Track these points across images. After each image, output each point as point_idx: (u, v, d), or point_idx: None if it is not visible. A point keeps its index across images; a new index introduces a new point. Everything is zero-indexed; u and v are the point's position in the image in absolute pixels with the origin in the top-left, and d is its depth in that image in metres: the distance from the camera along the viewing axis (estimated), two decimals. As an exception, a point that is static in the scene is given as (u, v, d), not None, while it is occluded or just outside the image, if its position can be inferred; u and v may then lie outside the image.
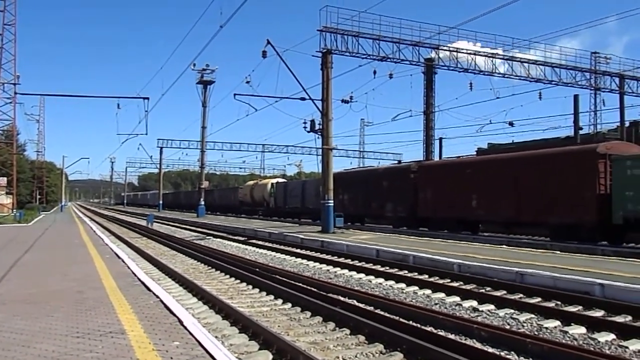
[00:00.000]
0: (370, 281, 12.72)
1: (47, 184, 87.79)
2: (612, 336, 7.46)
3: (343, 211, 30.94)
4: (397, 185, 29.46)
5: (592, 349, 6.80)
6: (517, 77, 30.15)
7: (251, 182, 62.52)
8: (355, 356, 6.65)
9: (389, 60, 27.15)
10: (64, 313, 6.99)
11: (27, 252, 15.60)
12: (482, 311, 9.24)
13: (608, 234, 18.89)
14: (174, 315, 6.88)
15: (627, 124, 40.56)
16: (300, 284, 11.45)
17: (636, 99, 39.64)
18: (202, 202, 49.58)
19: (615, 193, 18.10)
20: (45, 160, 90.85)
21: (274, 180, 54.75)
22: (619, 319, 8.44)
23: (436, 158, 44.33)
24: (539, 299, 10.04)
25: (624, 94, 35.37)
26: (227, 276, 13.63)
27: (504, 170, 22.86)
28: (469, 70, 29.19)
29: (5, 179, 54.76)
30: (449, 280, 12.45)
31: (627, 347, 6.94)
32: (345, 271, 14.40)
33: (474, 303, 9.86)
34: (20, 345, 5.43)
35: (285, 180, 58.42)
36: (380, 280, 12.81)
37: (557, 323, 8.23)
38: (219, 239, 26.03)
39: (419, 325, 7.79)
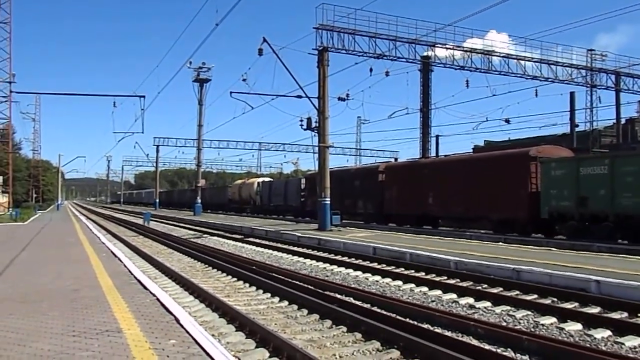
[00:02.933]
0: (367, 279, 12.72)
1: (43, 183, 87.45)
2: (608, 332, 7.47)
3: None
4: (367, 184, 32.49)
5: (589, 345, 6.82)
6: (513, 75, 30.17)
7: (239, 181, 64.83)
8: (352, 354, 6.64)
9: (385, 57, 27.15)
10: (60, 312, 6.97)
11: (23, 250, 15.55)
12: (478, 308, 9.25)
13: (538, 227, 21.59)
14: (171, 313, 6.86)
15: (623, 121, 40.74)
16: (297, 282, 11.44)
17: (632, 96, 39.88)
18: (199, 201, 49.65)
19: (543, 191, 20.84)
20: (42, 159, 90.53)
21: (260, 180, 57.10)
22: (615, 315, 8.46)
23: (433, 155, 44.46)
24: (535, 296, 10.05)
25: (620, 91, 35.48)
26: (224, 274, 13.61)
27: (455, 171, 25.91)
28: (465, 68, 29.19)
29: (1, 177, 54.53)
30: (445, 278, 12.45)
31: (623, 344, 6.96)
32: (342, 269, 14.40)
33: (471, 300, 9.87)
34: (15, 344, 5.40)
35: (271, 180, 60.11)
36: (377, 278, 12.82)
37: (554, 320, 8.24)
38: (215, 237, 25.99)
39: (415, 323, 7.78)
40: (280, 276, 12.32)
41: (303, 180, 43.92)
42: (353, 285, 11.45)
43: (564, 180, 19.89)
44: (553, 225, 20.99)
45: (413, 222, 28.14)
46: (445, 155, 34.64)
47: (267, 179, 59.33)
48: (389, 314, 8.37)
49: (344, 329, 7.75)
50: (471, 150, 39.94)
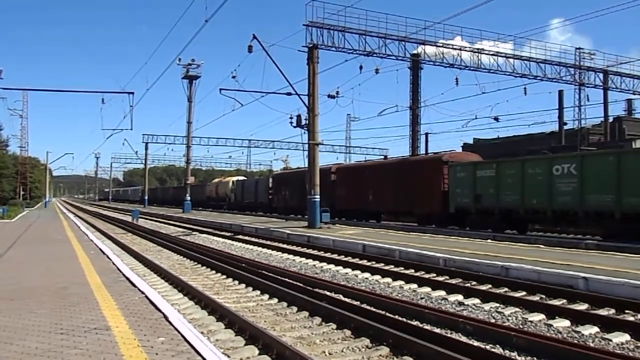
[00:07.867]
0: (357, 276, 12.73)
1: (31, 180, 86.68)
2: (595, 329, 7.53)
3: (285, 205, 40.01)
4: (322, 183, 34.95)
5: (576, 341, 6.87)
6: (502, 73, 30.27)
7: (216, 180, 68.73)
8: (342, 351, 6.64)
9: (375, 55, 27.16)
10: (48, 309, 6.92)
11: (10, 248, 15.42)
12: (467, 305, 9.29)
13: (452, 220, 24.81)
14: (160, 311, 6.83)
15: (610, 119, 41.02)
16: (286, 279, 11.44)
17: (620, 95, 40.13)
18: (189, 198, 49.56)
19: (451, 190, 24.44)
20: (29, 156, 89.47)
21: (235, 178, 60.67)
22: (603, 312, 8.52)
23: (422, 152, 44.65)
24: (524, 293, 10.11)
25: (608, 90, 35.68)
26: (213, 272, 13.58)
27: (388, 172, 29.84)
28: (455, 66, 29.25)
29: (-12, 174, 53.99)
30: (434, 275, 12.49)
31: (610, 340, 7.00)
32: (332, 266, 14.42)
33: (460, 297, 9.91)
34: (2, 342, 5.35)
35: (245, 178, 63.38)
36: (367, 275, 12.84)
37: (542, 316, 8.29)
38: (204, 235, 25.93)
39: (404, 320, 7.80)
40: (269, 273, 12.30)
41: (270, 180, 46.92)
42: (342, 283, 11.46)
43: (465, 181, 23.53)
44: (459, 218, 24.36)
45: (360, 217, 31.36)
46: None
47: (241, 178, 62.20)
48: (378, 311, 8.38)
49: (334, 326, 7.75)
50: (460, 149, 40.22)
